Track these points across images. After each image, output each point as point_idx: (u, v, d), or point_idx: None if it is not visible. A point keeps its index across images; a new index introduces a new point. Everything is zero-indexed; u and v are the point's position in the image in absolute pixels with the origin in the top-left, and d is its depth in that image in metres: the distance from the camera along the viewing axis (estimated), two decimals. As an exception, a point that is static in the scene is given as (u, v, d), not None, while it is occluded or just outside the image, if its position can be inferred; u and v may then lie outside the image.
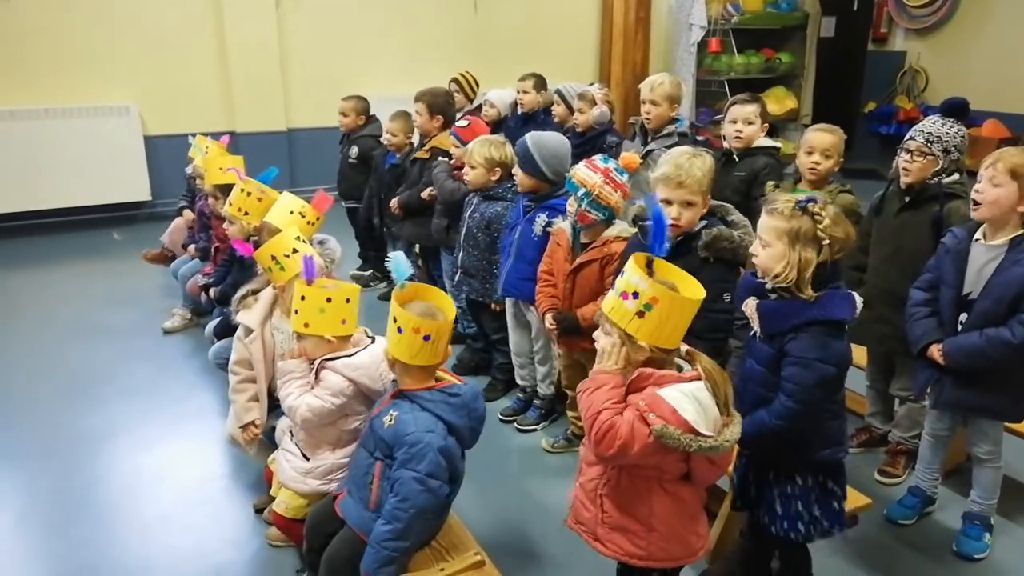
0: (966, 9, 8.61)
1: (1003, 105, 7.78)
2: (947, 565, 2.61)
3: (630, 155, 2.91)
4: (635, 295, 1.72)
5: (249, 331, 2.63)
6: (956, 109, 2.77)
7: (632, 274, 1.74)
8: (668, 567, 1.91)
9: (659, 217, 1.82)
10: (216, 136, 4.29)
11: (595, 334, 1.87)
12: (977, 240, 2.46)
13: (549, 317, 3.00)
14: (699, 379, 1.73)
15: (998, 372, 2.42)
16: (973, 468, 2.67)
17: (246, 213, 3.16)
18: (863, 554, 2.64)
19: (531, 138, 3.23)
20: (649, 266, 1.76)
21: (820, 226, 1.90)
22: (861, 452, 3.21)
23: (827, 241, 1.91)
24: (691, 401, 1.69)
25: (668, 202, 2.38)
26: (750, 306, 2.05)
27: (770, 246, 1.97)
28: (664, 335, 1.75)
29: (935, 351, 2.50)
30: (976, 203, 2.39)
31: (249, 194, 3.16)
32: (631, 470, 1.81)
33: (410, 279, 2.10)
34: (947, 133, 2.71)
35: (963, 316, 2.47)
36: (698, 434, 1.67)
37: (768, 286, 2.00)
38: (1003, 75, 8.15)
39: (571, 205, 2.87)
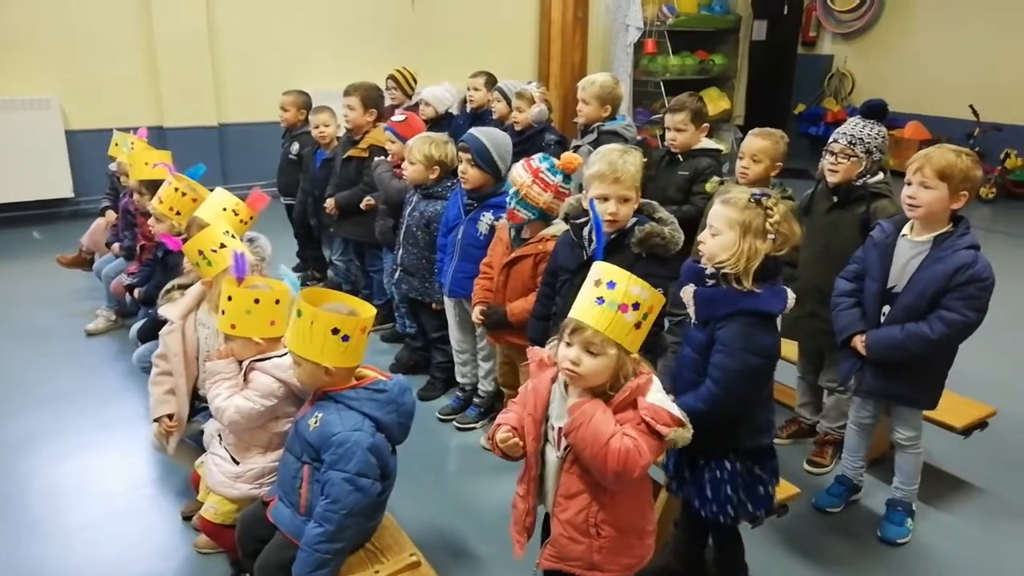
0: (890, 15, 8.97)
1: (924, 108, 8.13)
2: (871, 550, 2.70)
3: (570, 155, 2.92)
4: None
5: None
6: (875, 110, 2.87)
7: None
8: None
9: (598, 221, 1.84)
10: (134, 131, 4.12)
11: (574, 356, 1.71)
12: (904, 235, 2.54)
13: (478, 310, 3.03)
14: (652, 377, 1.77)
15: (916, 363, 2.51)
16: (895, 455, 2.77)
17: (177, 212, 3.06)
18: (792, 542, 2.71)
19: (482, 133, 3.20)
20: None
21: (771, 220, 1.95)
22: (790, 443, 3.30)
23: (773, 235, 1.96)
24: (663, 393, 1.74)
25: (605, 198, 2.40)
26: (688, 292, 2.09)
27: (720, 234, 2.00)
28: (641, 341, 1.75)
29: (858, 342, 2.59)
30: (914, 206, 2.45)
31: (184, 194, 3.07)
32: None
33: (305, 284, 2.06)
34: (868, 135, 2.80)
35: (886, 308, 2.55)
36: (685, 426, 1.73)
37: (708, 271, 2.03)
38: (924, 79, 8.53)
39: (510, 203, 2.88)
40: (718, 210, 2.03)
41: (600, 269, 1.73)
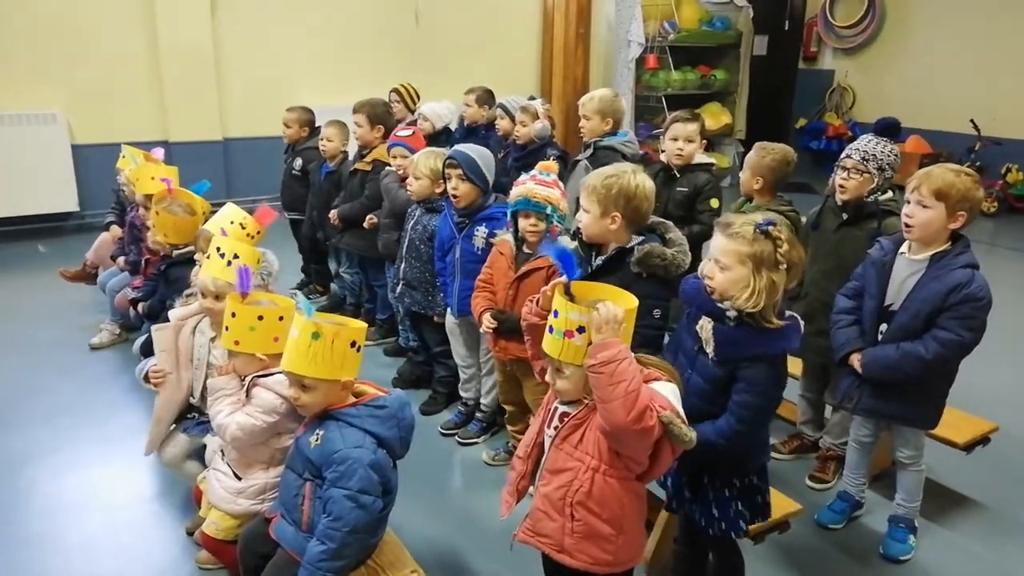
0: (891, 29, 9.02)
1: (924, 122, 8.15)
2: (874, 568, 2.69)
3: (546, 162, 3.01)
4: (580, 330, 1.72)
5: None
6: (889, 128, 2.90)
7: (569, 312, 1.72)
8: (627, 569, 1.92)
9: (559, 252, 1.83)
10: (147, 146, 4.16)
11: (548, 378, 1.86)
12: (902, 253, 2.54)
13: (487, 317, 2.93)
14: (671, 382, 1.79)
15: (914, 383, 2.50)
16: (897, 472, 2.76)
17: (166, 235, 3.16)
18: (795, 558, 2.70)
19: (468, 148, 3.24)
20: (569, 294, 1.76)
21: (780, 251, 1.90)
22: (793, 459, 3.30)
23: (785, 265, 1.91)
24: (676, 397, 1.76)
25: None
26: (707, 329, 2.03)
27: (729, 269, 1.93)
28: None
29: (855, 360, 2.59)
30: (908, 225, 2.46)
31: (157, 213, 3.16)
32: (607, 471, 1.78)
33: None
34: (881, 152, 2.83)
35: (883, 327, 2.55)
36: (686, 425, 1.73)
37: (730, 314, 1.96)
38: (925, 93, 8.55)
39: (529, 227, 2.85)
40: (724, 244, 1.95)
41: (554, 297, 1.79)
